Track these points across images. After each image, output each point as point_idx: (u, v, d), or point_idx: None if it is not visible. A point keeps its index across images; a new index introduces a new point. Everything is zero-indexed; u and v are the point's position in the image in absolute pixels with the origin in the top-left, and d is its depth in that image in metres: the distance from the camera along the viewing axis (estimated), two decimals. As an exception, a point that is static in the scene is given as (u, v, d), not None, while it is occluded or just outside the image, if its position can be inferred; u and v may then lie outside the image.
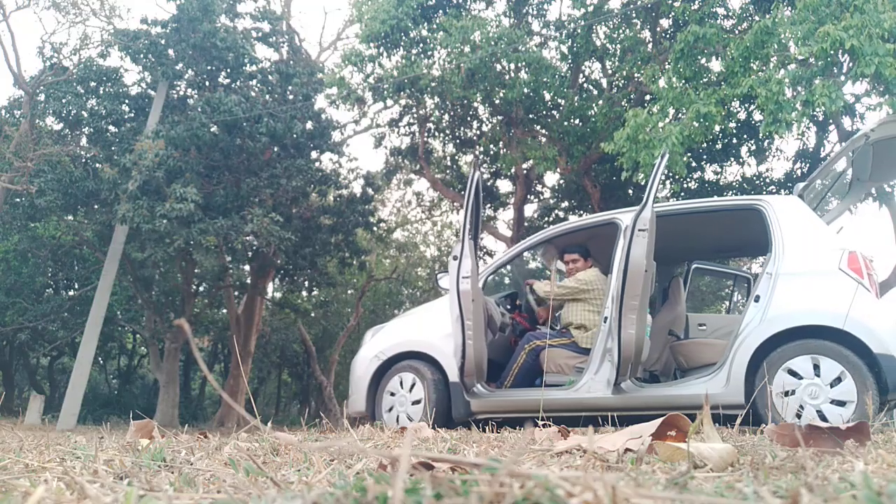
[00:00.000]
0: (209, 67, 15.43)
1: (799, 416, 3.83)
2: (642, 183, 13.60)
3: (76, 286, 19.06)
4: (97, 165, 14.65)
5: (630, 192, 14.25)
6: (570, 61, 13.85)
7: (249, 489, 1.08)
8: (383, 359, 4.94)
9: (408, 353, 4.93)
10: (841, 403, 3.79)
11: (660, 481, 1.02)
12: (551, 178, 17.37)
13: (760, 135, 9.47)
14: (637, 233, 4.00)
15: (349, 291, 24.11)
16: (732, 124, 11.26)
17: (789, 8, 10.04)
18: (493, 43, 11.79)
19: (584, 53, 13.35)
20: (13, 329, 16.91)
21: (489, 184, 17.87)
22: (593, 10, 12.94)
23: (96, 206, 15.04)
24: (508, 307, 5.43)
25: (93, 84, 15.22)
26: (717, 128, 10.48)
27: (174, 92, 15.78)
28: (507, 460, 0.73)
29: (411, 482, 0.77)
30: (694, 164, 13.89)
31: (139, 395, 23.43)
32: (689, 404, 4.10)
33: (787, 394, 3.90)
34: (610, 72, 14.57)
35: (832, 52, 8.32)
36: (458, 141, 17.15)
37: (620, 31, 13.29)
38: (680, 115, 10.15)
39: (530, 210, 17.65)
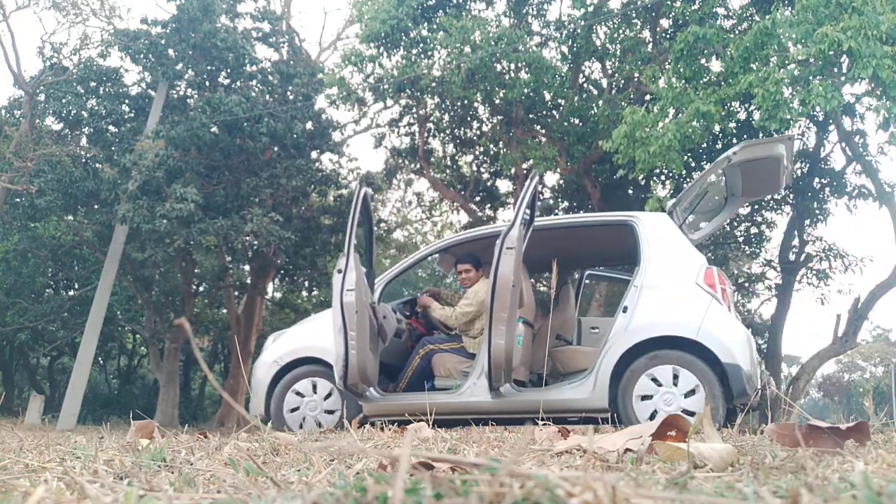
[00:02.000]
0: (209, 67, 15.43)
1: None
2: (642, 182, 13.64)
3: (76, 286, 19.06)
4: (97, 165, 14.65)
5: (630, 191, 14.25)
6: (570, 61, 13.85)
7: (249, 489, 1.08)
8: (282, 364, 5.05)
9: (305, 358, 5.05)
10: (692, 404, 4.12)
11: (660, 481, 1.02)
12: (551, 178, 17.37)
13: (758, 132, 9.47)
14: (505, 250, 4.20)
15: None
16: (732, 124, 11.25)
17: (789, 9, 10.04)
18: (493, 43, 11.79)
19: (584, 53, 13.35)
20: (13, 329, 16.91)
21: (489, 184, 17.87)
22: (593, 10, 12.94)
23: (96, 206, 15.04)
24: (407, 313, 5.58)
25: (93, 84, 15.22)
26: (717, 127, 10.48)
27: (174, 92, 15.78)
28: (507, 460, 0.73)
29: (411, 482, 0.77)
30: (693, 164, 13.88)
31: (139, 395, 23.42)
32: (561, 408, 4.41)
33: (644, 408, 4.20)
34: (610, 72, 14.56)
35: (830, 53, 8.33)
36: (458, 141, 17.14)
37: (620, 31, 13.29)
38: (679, 114, 10.16)
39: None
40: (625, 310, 4.50)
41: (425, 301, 5.33)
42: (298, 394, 5.01)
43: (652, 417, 4.11)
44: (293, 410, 4.98)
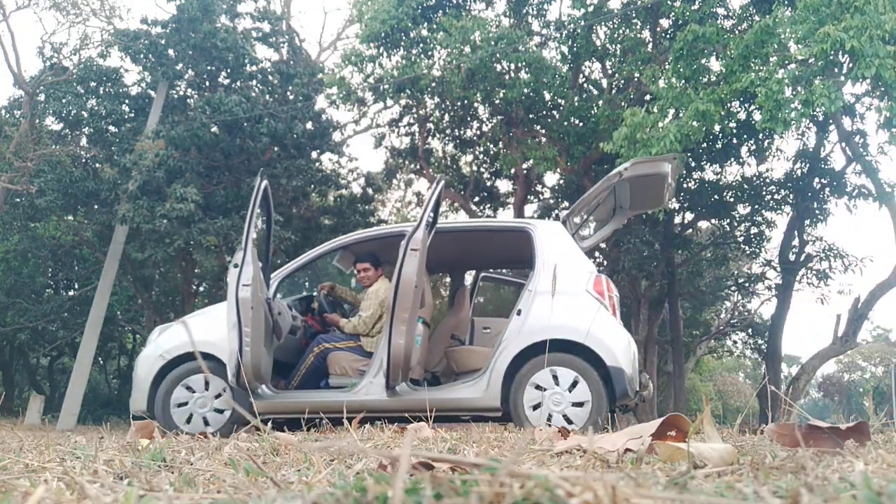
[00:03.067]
0: (209, 67, 15.43)
1: (549, 422, 4.33)
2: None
3: (76, 286, 19.06)
4: (97, 165, 14.65)
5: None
6: (570, 61, 13.85)
7: (249, 489, 1.08)
8: (168, 358, 4.91)
9: (193, 353, 4.94)
10: (579, 404, 4.36)
11: (660, 481, 1.02)
12: (551, 178, 17.37)
13: (758, 132, 9.47)
14: (409, 251, 4.30)
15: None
16: (732, 124, 11.26)
17: (789, 8, 10.03)
18: (493, 43, 11.79)
19: (584, 53, 13.34)
20: (13, 329, 16.92)
21: (489, 184, 17.86)
22: (593, 11, 12.94)
23: (96, 206, 15.04)
24: (302, 310, 5.51)
25: (93, 84, 15.22)
26: (717, 127, 10.48)
27: (174, 92, 15.77)
28: (507, 460, 0.73)
29: (411, 482, 0.77)
30: (693, 163, 13.89)
31: (139, 395, 23.35)
32: (456, 407, 4.55)
33: (535, 407, 4.40)
34: (610, 72, 14.56)
35: (832, 52, 8.31)
36: (458, 141, 17.14)
37: (620, 31, 13.28)
38: (680, 114, 10.16)
39: (530, 210, 17.66)
40: (519, 312, 4.68)
41: (333, 320, 5.28)
42: (189, 389, 4.85)
43: (547, 418, 4.36)
44: (180, 406, 4.83)
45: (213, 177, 14.43)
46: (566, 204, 17.49)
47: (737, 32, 11.21)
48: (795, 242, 14.96)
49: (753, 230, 15.78)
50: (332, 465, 1.48)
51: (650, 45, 13.04)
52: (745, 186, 14.65)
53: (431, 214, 4.55)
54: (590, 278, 4.72)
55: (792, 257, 14.86)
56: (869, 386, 33.27)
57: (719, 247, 17.21)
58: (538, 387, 4.43)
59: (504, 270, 7.77)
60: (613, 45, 13.49)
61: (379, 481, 0.82)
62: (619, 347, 4.49)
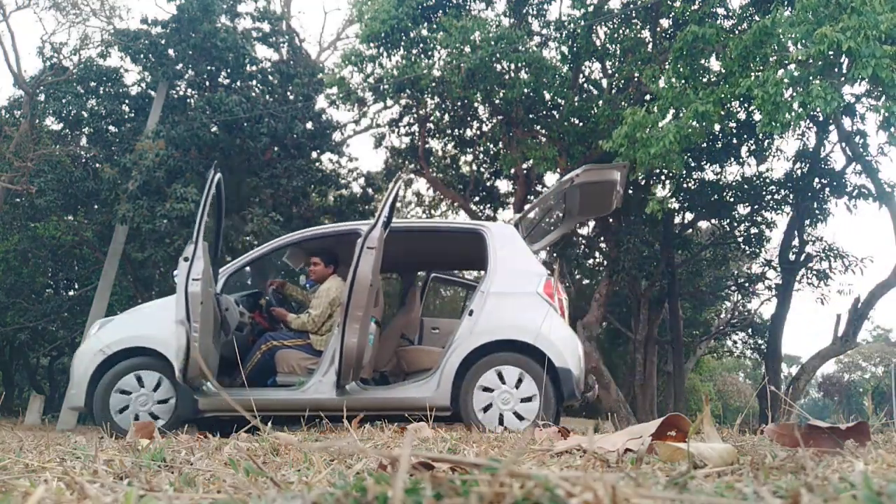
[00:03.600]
0: (209, 67, 15.43)
1: (501, 421, 4.44)
2: (641, 182, 13.62)
3: (76, 286, 19.04)
4: (97, 165, 14.65)
5: (630, 191, 14.24)
6: (570, 61, 13.84)
7: (249, 489, 1.08)
8: (108, 353, 4.79)
9: (136, 348, 4.80)
10: (528, 399, 4.45)
11: (660, 481, 1.02)
12: (551, 178, 17.35)
13: (759, 134, 9.47)
14: (365, 250, 4.29)
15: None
16: (732, 124, 11.26)
17: (789, 8, 10.04)
18: (493, 43, 11.79)
19: (584, 53, 13.34)
20: (13, 329, 16.90)
21: (489, 184, 17.86)
22: (593, 11, 12.94)
23: (96, 206, 15.05)
24: (249, 307, 5.43)
25: (93, 84, 15.22)
26: (717, 127, 10.48)
27: (174, 92, 15.77)
28: (507, 460, 0.73)
29: (411, 482, 0.77)
30: (693, 163, 13.88)
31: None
32: (406, 406, 4.55)
33: (485, 407, 4.47)
34: (610, 72, 14.56)
35: (830, 53, 8.31)
36: (458, 141, 17.14)
37: (620, 31, 13.28)
38: (679, 114, 10.16)
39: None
40: (471, 313, 4.73)
41: (280, 314, 5.21)
42: (131, 385, 4.74)
43: (498, 417, 4.45)
44: (122, 410, 4.70)
45: (213, 177, 14.41)
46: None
47: (736, 33, 11.21)
48: (795, 242, 14.95)
49: (753, 230, 15.78)
50: (332, 465, 1.48)
51: (650, 45, 13.04)
52: (745, 186, 14.64)
53: (388, 213, 4.52)
54: (540, 281, 4.79)
55: (792, 257, 14.86)
56: (869, 386, 33.27)
57: (719, 247, 17.20)
58: (486, 387, 4.51)
59: (455, 271, 7.79)
60: (613, 45, 13.49)
61: (379, 481, 0.82)
62: (567, 349, 4.59)
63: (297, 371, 4.90)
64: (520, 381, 4.49)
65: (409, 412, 4.55)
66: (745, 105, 11.79)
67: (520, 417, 4.43)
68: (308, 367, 4.90)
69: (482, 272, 5.05)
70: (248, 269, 5.52)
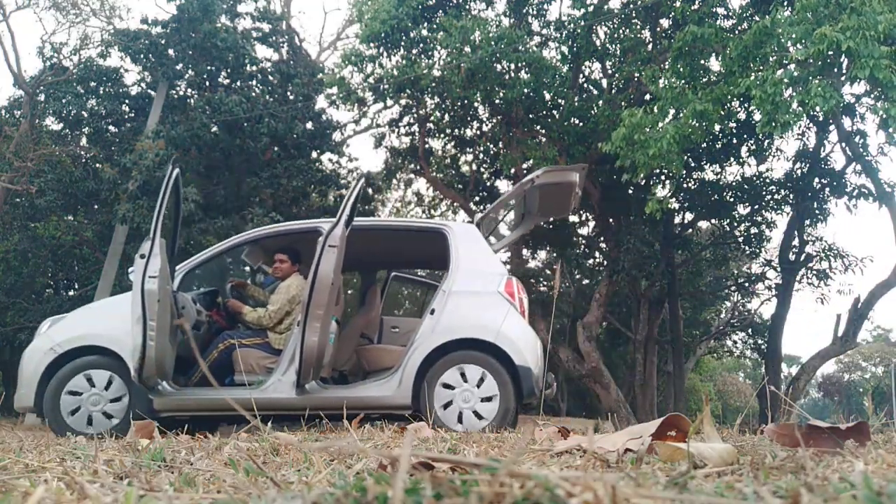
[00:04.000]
0: (209, 67, 15.43)
1: (461, 420, 4.48)
2: (641, 183, 13.63)
3: (76, 286, 19.03)
4: (97, 165, 14.65)
5: (630, 191, 14.26)
6: (570, 61, 13.85)
7: (249, 489, 1.08)
8: (59, 352, 4.65)
9: (88, 347, 4.67)
10: (488, 399, 4.51)
11: (660, 481, 1.02)
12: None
13: (759, 134, 9.47)
14: (327, 248, 4.28)
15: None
16: (732, 124, 11.26)
17: (788, 8, 10.04)
18: (493, 43, 11.79)
19: (584, 53, 13.34)
20: (13, 329, 16.89)
21: (489, 184, 17.86)
22: (593, 11, 12.94)
23: (96, 206, 15.05)
24: (206, 305, 5.34)
25: (93, 84, 15.22)
26: (717, 127, 10.48)
27: (174, 92, 15.78)
28: (507, 460, 0.73)
29: (411, 482, 0.77)
30: (693, 164, 13.89)
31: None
32: (366, 405, 4.54)
33: (446, 405, 4.50)
34: (610, 72, 14.56)
35: (829, 53, 8.32)
36: (458, 141, 17.14)
37: (620, 31, 13.28)
38: (679, 115, 10.16)
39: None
40: (432, 312, 4.76)
41: (235, 305, 5.15)
42: (83, 385, 4.61)
43: (458, 415, 4.49)
44: (74, 411, 4.56)
45: (212, 177, 14.43)
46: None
47: (736, 33, 11.22)
48: (795, 242, 14.96)
49: (753, 230, 15.78)
50: (332, 465, 1.48)
51: (650, 45, 13.04)
52: (745, 186, 14.64)
53: (349, 211, 4.48)
54: (501, 280, 4.83)
55: (792, 257, 14.86)
56: (869, 386, 33.27)
57: (719, 247, 17.20)
58: (447, 385, 4.54)
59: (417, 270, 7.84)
60: (613, 45, 13.49)
61: (379, 481, 0.82)
62: (527, 347, 4.63)
63: (255, 370, 4.82)
64: (482, 379, 4.54)
65: (370, 411, 4.56)
66: (745, 105, 11.79)
67: (479, 416, 4.48)
68: (267, 365, 4.84)
69: (444, 271, 5.06)
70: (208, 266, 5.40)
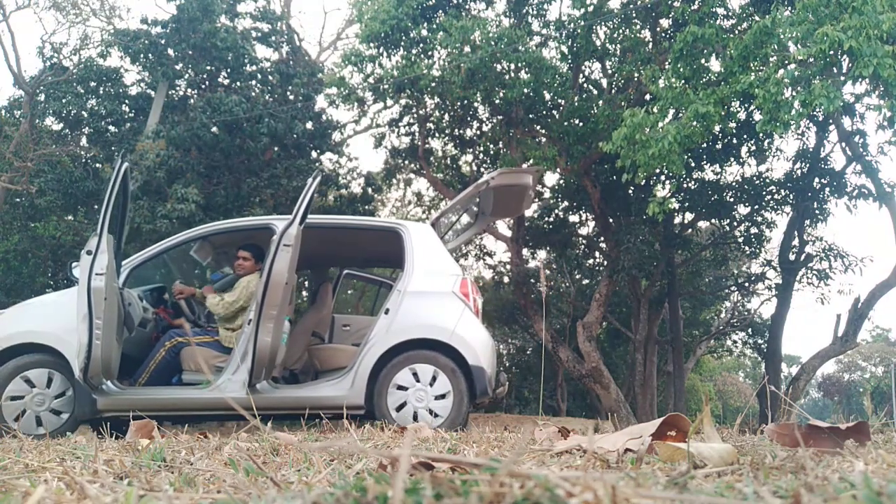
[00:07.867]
0: (209, 67, 15.43)
1: (415, 419, 4.49)
2: (642, 183, 13.63)
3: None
4: (97, 165, 14.65)
5: (630, 191, 14.25)
6: (570, 61, 13.85)
7: (249, 489, 1.08)
8: None
9: (28, 344, 4.53)
10: (441, 396, 4.54)
11: (660, 481, 1.02)
12: (551, 178, 17.36)
13: (759, 134, 9.47)
14: (282, 247, 4.24)
15: (349, 291, 24.13)
16: (732, 124, 11.25)
17: (789, 8, 10.04)
18: (493, 43, 11.79)
19: (584, 53, 13.34)
20: (13, 329, 16.88)
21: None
22: (593, 10, 12.93)
23: (96, 206, 15.03)
24: (153, 302, 5.23)
25: (93, 84, 15.23)
26: (717, 127, 10.47)
27: (174, 92, 15.78)
28: (507, 460, 0.73)
29: (411, 482, 0.77)
30: (693, 164, 13.88)
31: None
32: (318, 405, 4.47)
33: (400, 406, 4.53)
34: (610, 72, 14.56)
35: (831, 52, 8.32)
36: (458, 141, 17.14)
37: (620, 31, 13.28)
38: (679, 115, 10.16)
39: (530, 210, 17.66)
40: (387, 311, 4.76)
41: (183, 289, 5.03)
42: (25, 385, 4.45)
43: (412, 415, 4.52)
44: (14, 402, 4.40)
45: (213, 177, 14.43)
46: (566, 203, 17.51)
47: (736, 33, 11.21)
48: (795, 242, 14.96)
49: (753, 230, 15.78)
50: (332, 465, 1.48)
51: (650, 45, 13.04)
52: (745, 186, 14.64)
53: (304, 210, 4.41)
54: (456, 280, 4.86)
55: (792, 257, 14.86)
56: (869, 386, 33.27)
57: (719, 247, 17.20)
58: (401, 386, 4.55)
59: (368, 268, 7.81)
60: (613, 45, 13.48)
61: (379, 481, 0.82)
62: (480, 347, 4.67)
63: (204, 369, 4.72)
64: (434, 378, 4.56)
65: (322, 411, 4.44)
66: (746, 105, 11.79)
67: (434, 415, 4.50)
68: (216, 364, 4.74)
69: (398, 271, 5.08)
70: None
